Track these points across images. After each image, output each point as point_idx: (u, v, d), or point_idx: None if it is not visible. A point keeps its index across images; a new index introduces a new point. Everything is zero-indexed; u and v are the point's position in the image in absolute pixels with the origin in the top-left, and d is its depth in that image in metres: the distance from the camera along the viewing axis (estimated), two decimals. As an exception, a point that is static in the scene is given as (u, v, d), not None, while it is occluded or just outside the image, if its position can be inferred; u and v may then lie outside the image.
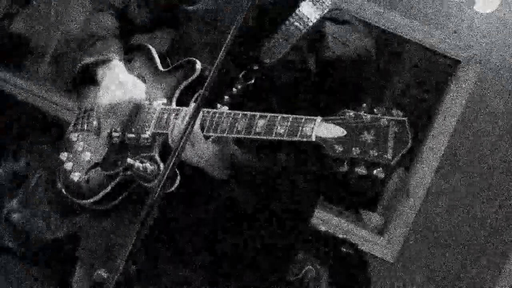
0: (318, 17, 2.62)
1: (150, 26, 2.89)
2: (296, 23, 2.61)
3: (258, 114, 2.33)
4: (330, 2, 2.67)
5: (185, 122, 2.30)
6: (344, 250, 4.91)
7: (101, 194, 2.65)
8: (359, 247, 5.03)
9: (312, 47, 2.59)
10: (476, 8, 5.02)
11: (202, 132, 2.39)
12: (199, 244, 2.64)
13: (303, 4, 2.64)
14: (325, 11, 2.64)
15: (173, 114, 2.52)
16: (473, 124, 5.20)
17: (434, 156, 5.22)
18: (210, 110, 2.42)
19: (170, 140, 2.45)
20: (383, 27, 5.12)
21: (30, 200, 5.20)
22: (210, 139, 2.39)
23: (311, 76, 2.57)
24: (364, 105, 2.11)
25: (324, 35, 2.59)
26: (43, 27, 5.63)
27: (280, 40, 2.60)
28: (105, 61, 2.76)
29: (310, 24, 2.61)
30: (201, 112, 2.37)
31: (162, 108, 2.59)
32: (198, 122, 2.36)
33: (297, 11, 2.63)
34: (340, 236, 5.00)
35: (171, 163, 2.19)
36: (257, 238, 2.66)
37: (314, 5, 2.64)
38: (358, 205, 5.59)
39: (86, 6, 5.44)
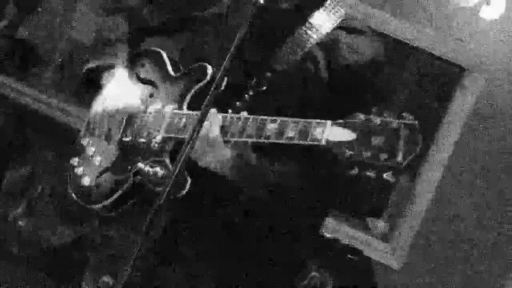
0: (331, 26, 2.64)
1: (161, 31, 2.90)
2: (309, 31, 2.62)
3: (268, 118, 2.35)
4: (343, 12, 2.68)
5: (204, 127, 2.33)
6: (349, 256, 4.91)
7: (111, 199, 2.66)
8: (364, 253, 5.02)
9: (324, 55, 2.60)
10: (481, 15, 5.02)
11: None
12: (208, 251, 2.64)
13: (316, 12, 2.65)
14: (339, 21, 2.65)
15: (183, 119, 2.54)
16: (479, 131, 5.19)
17: (440, 163, 5.21)
18: (227, 114, 2.43)
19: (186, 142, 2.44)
20: (389, 34, 5.12)
21: (36, 206, 5.20)
22: (229, 144, 2.39)
23: (322, 83, 2.58)
24: (374, 109, 2.11)
25: (337, 44, 2.60)
26: (49, 34, 5.63)
27: (293, 47, 2.61)
28: (109, 67, 2.78)
29: (323, 32, 2.62)
30: (221, 117, 2.38)
31: (173, 113, 2.60)
32: (218, 127, 2.37)
33: (310, 20, 2.64)
34: (346, 242, 4.99)
35: (178, 168, 2.20)
36: (267, 246, 2.66)
37: (328, 14, 2.65)
38: (367, 211, 5.58)
39: (92, 13, 5.46)
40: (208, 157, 2.40)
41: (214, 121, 2.40)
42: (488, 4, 4.99)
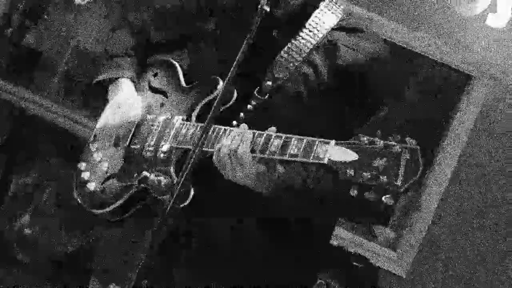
0: (328, 28, 2.64)
1: (168, 46, 2.92)
2: (306, 36, 2.62)
3: (257, 132, 2.36)
4: (340, 12, 2.68)
5: (234, 143, 2.33)
6: (356, 264, 4.90)
7: (115, 205, 2.67)
8: (370, 261, 5.01)
9: (323, 57, 2.60)
10: (487, 23, 5.02)
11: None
12: (216, 260, 2.64)
13: (313, 15, 2.65)
14: (336, 21, 2.65)
15: (191, 130, 2.54)
16: (485, 138, 5.19)
17: (446, 170, 5.20)
18: (255, 131, 2.42)
19: (215, 158, 2.44)
20: (394, 41, 5.12)
21: (42, 214, 5.21)
22: (257, 159, 2.39)
23: (325, 86, 2.58)
24: (379, 131, 2.13)
25: (335, 44, 2.60)
26: (55, 42, 5.65)
27: (292, 53, 2.61)
28: (115, 79, 2.81)
29: (320, 35, 2.63)
30: (251, 134, 2.38)
31: (181, 124, 2.61)
32: (248, 143, 2.37)
33: (307, 24, 2.64)
34: (352, 250, 4.98)
35: (182, 178, 2.21)
36: (275, 255, 2.67)
37: (323, 16, 2.65)
38: (373, 219, 5.57)
39: (98, 21, 5.48)
40: (237, 173, 2.40)
41: (245, 137, 2.39)
42: (494, 12, 4.98)
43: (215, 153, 2.43)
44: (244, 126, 2.42)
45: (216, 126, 2.54)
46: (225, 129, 2.46)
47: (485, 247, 5.23)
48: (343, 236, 5.29)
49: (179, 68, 2.82)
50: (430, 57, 5.20)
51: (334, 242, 4.93)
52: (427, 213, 5.25)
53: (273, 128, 2.37)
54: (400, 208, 5.56)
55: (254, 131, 2.38)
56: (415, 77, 5.51)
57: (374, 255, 5.24)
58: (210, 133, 2.46)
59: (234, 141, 2.38)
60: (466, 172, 5.23)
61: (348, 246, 5.03)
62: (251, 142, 2.37)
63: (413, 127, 5.10)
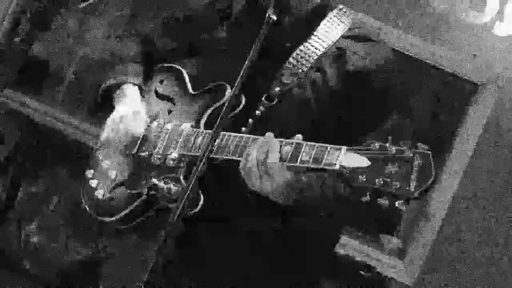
0: (337, 36, 2.64)
1: (174, 54, 2.93)
2: (315, 43, 2.63)
3: (284, 140, 2.35)
4: (349, 21, 2.69)
5: (262, 152, 2.32)
6: (363, 273, 4.90)
7: (124, 213, 2.67)
8: (377, 270, 5.01)
9: (332, 64, 2.61)
10: (495, 31, 5.02)
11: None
12: (222, 268, 2.64)
13: (322, 23, 2.66)
14: (345, 30, 2.66)
15: (200, 137, 2.54)
16: (493, 147, 5.18)
17: (453, 179, 5.19)
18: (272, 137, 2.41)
19: (242, 168, 2.41)
20: (401, 50, 5.12)
21: (49, 222, 5.21)
22: (285, 168, 2.36)
23: (333, 92, 2.59)
24: (390, 137, 2.13)
25: (344, 52, 2.61)
26: (63, 51, 5.66)
27: (300, 60, 2.62)
28: (118, 86, 2.82)
29: (329, 43, 2.63)
30: (278, 142, 2.36)
31: (189, 131, 2.61)
32: (277, 152, 2.34)
33: (315, 32, 2.65)
34: (359, 259, 4.98)
35: (191, 185, 2.21)
36: (281, 263, 2.66)
37: (332, 24, 2.66)
38: (379, 232, 5.57)
39: (105, 31, 5.49)
40: (265, 182, 2.37)
41: (273, 146, 2.36)
42: (501, 21, 4.98)
43: (242, 163, 2.40)
44: (270, 134, 2.39)
45: (205, 130, 2.55)
46: (253, 138, 2.43)
47: (493, 257, 5.22)
48: (350, 245, 5.28)
49: (186, 75, 2.82)
50: (437, 65, 5.20)
51: (341, 251, 4.93)
52: (434, 222, 5.24)
53: (300, 136, 2.35)
54: (407, 217, 5.56)
55: (281, 139, 2.36)
56: (422, 85, 5.51)
57: (381, 264, 5.23)
58: (221, 140, 2.46)
59: (262, 150, 2.35)
60: (474, 180, 5.22)
61: (355, 255, 5.02)
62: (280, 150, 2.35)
63: (420, 135, 5.08)
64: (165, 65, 2.90)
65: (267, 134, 2.39)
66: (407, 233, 5.51)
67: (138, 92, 2.85)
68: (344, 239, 5.23)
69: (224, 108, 2.37)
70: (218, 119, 2.36)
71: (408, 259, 5.32)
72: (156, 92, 2.85)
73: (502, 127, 5.19)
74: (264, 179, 2.35)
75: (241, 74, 2.38)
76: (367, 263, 5.00)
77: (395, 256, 5.41)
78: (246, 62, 2.38)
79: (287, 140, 2.36)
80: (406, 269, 5.31)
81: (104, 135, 2.81)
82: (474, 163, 5.20)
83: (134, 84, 2.85)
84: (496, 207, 5.21)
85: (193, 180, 2.24)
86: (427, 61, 5.20)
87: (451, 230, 5.26)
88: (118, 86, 2.86)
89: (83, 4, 4.82)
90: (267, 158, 2.33)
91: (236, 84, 2.38)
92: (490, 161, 5.20)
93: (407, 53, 5.15)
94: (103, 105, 2.91)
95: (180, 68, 2.84)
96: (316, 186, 2.47)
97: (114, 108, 2.84)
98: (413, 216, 5.49)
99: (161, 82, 2.85)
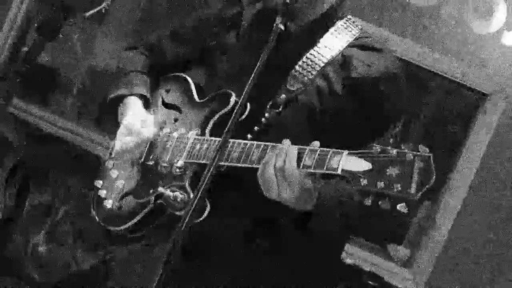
0: (344, 44, 2.65)
1: (181, 63, 2.94)
2: (321, 51, 2.64)
3: (318, 148, 2.33)
4: (357, 31, 2.69)
5: (280, 160, 2.32)
6: (370, 283, 4.89)
7: (132, 221, 2.68)
8: (385, 279, 5.00)
9: (338, 71, 2.61)
10: (503, 41, 5.02)
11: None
12: (231, 274, 2.64)
13: (329, 32, 2.67)
14: (352, 39, 2.67)
15: (205, 145, 2.55)
16: (500, 156, 5.17)
17: (461, 187, 5.19)
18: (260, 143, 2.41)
19: (259, 173, 2.40)
20: (410, 61, 5.12)
21: (57, 232, 5.22)
22: (303, 175, 2.34)
23: (338, 99, 2.59)
24: (391, 140, 2.13)
25: (350, 60, 2.61)
26: (70, 61, 5.68)
27: (306, 67, 2.62)
28: (123, 97, 2.83)
29: (336, 51, 2.64)
30: (296, 149, 2.35)
31: (195, 139, 2.62)
32: (295, 160, 2.33)
33: (322, 40, 2.66)
34: (367, 268, 4.97)
35: (198, 194, 2.21)
36: (287, 272, 2.67)
37: (340, 33, 2.67)
38: (383, 239, 5.57)
39: (113, 41, 5.51)
40: (283, 190, 2.35)
41: (290, 153, 2.35)
42: (510, 30, 4.99)
43: (260, 170, 2.39)
44: (287, 141, 2.38)
45: (211, 138, 2.55)
46: (273, 146, 2.41)
47: (501, 266, 5.21)
48: (357, 254, 5.28)
49: (192, 83, 2.83)
50: (445, 75, 5.20)
51: (348, 260, 4.93)
52: (442, 231, 5.23)
53: (317, 143, 2.33)
54: (414, 226, 5.55)
55: (299, 146, 2.35)
56: (429, 94, 5.51)
57: (389, 273, 5.23)
58: (230, 147, 2.46)
59: (280, 157, 2.35)
60: (481, 189, 5.22)
61: (362, 264, 5.02)
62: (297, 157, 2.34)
63: (427, 144, 5.08)
64: (171, 74, 2.91)
65: (284, 141, 2.38)
66: (414, 242, 5.51)
67: (142, 103, 2.85)
68: (351, 249, 5.23)
69: (232, 118, 2.37)
70: (226, 129, 2.36)
71: (416, 269, 5.31)
72: (162, 101, 2.86)
73: (509, 136, 5.19)
74: (283, 186, 2.34)
75: (249, 83, 2.38)
76: (375, 272, 4.99)
77: (403, 265, 5.41)
78: (255, 71, 2.38)
79: (303, 147, 2.34)
80: (414, 279, 5.30)
81: (114, 146, 2.82)
82: (482, 171, 5.20)
83: (141, 95, 2.86)
84: (503, 215, 5.20)
85: (202, 189, 2.24)
86: (435, 70, 5.21)
87: (459, 238, 5.25)
88: (123, 97, 2.87)
89: (88, 14, 4.82)
90: (284, 165, 2.32)
91: (244, 93, 2.38)
92: (497, 170, 5.20)
93: (414, 62, 5.16)
94: (111, 116, 2.92)
95: (186, 76, 2.85)
96: (329, 194, 2.48)
97: (120, 118, 2.85)
98: (420, 225, 5.49)
99: (168, 91, 2.86)
